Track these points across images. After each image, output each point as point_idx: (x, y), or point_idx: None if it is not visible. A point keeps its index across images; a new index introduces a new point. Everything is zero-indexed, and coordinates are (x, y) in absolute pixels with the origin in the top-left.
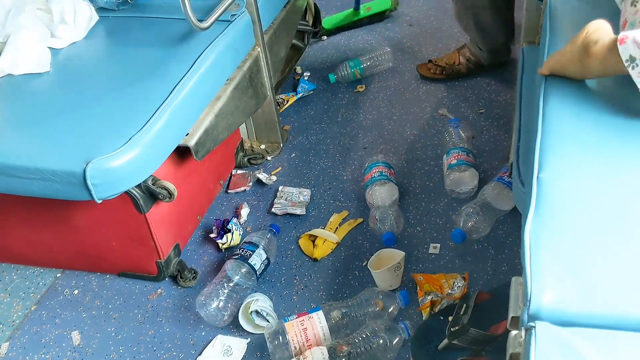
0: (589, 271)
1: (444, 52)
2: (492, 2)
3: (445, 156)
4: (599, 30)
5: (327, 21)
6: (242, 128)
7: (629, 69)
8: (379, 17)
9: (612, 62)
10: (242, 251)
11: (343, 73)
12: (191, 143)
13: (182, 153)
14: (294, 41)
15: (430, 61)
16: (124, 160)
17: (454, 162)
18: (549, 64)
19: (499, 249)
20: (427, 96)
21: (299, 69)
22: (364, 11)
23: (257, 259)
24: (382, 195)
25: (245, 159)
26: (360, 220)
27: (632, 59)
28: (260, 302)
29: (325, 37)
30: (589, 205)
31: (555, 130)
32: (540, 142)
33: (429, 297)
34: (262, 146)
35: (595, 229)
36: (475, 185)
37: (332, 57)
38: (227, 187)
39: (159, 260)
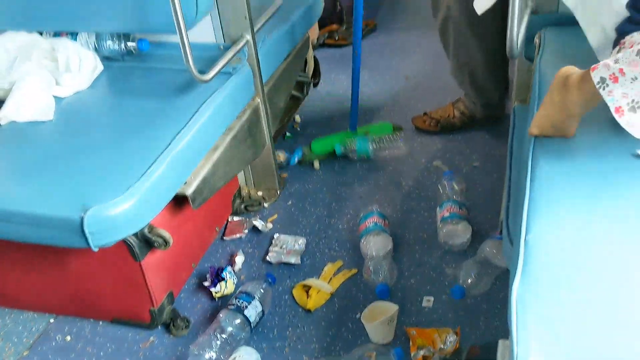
0: (575, 337)
1: (439, 105)
2: (487, 60)
3: (438, 208)
4: (571, 68)
5: (318, 144)
6: (240, 175)
7: (600, 90)
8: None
9: (588, 88)
10: (238, 301)
11: (350, 151)
12: (188, 192)
13: (179, 200)
14: (293, 92)
15: (425, 114)
16: (121, 209)
17: (447, 214)
18: (535, 122)
19: (492, 304)
20: (422, 148)
21: (297, 118)
22: (361, 134)
23: (253, 311)
24: (376, 245)
25: (242, 206)
26: (354, 270)
27: (602, 80)
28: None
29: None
30: (577, 270)
31: (543, 192)
32: (528, 204)
33: (422, 352)
34: (259, 193)
35: (583, 295)
36: (468, 238)
37: (330, 107)
38: (223, 234)
39: (152, 308)
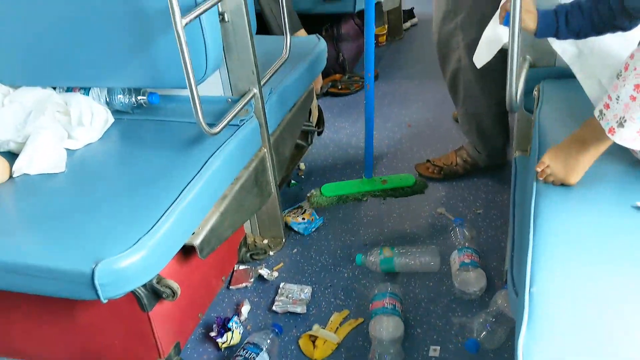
0: None
1: (441, 153)
2: (495, 110)
3: (456, 253)
4: None
5: (329, 188)
6: (246, 223)
7: (600, 121)
8: (395, 193)
9: (594, 124)
10: (246, 353)
11: (371, 263)
12: (196, 242)
13: (186, 250)
14: (298, 140)
15: (428, 161)
16: (131, 261)
17: (467, 261)
18: (549, 153)
19: (498, 353)
20: (426, 195)
21: (302, 165)
22: (378, 182)
23: None
24: (387, 329)
25: (248, 255)
26: (361, 320)
27: (600, 112)
28: None
29: None
30: (582, 322)
31: (546, 244)
32: (532, 256)
33: None
34: (265, 241)
35: (588, 347)
36: (482, 286)
37: (334, 155)
38: (229, 283)
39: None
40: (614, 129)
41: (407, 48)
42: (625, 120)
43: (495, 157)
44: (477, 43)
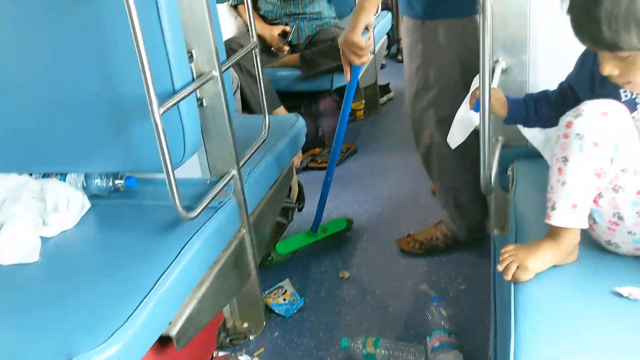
0: None
1: (421, 225)
2: (471, 184)
3: (428, 338)
4: None
5: (282, 246)
6: (225, 307)
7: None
8: (333, 237)
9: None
10: None
11: (355, 354)
12: (173, 332)
13: (162, 341)
14: (279, 218)
15: (408, 235)
16: (105, 356)
17: (437, 344)
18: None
19: None
20: (407, 271)
21: None
22: (320, 233)
23: None
24: None
25: (228, 340)
26: None
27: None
28: None
29: None
30: None
31: (527, 333)
32: (514, 345)
33: None
34: (245, 325)
35: None
36: None
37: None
38: None
39: None
40: (549, 215)
41: (384, 121)
42: (555, 203)
43: (475, 230)
44: (449, 120)
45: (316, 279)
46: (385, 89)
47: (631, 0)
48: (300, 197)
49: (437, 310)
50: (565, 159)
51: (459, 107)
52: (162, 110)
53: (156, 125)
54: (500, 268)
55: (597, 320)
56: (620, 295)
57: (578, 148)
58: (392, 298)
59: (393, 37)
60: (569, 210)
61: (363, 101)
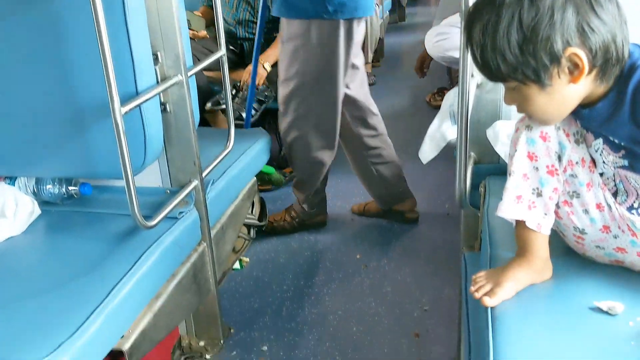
0: None
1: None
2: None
3: None
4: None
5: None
6: (181, 323)
7: None
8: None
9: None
10: None
11: None
12: (125, 347)
13: (113, 356)
14: (240, 234)
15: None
16: None
17: None
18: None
19: None
20: (370, 290)
21: (245, 259)
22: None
23: None
24: None
25: (182, 358)
26: None
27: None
28: None
29: None
30: None
31: (507, 349)
32: None
33: None
34: (201, 343)
35: None
36: None
37: (277, 248)
38: None
39: None
40: (498, 207)
41: None
42: (503, 194)
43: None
44: (307, 116)
45: (277, 297)
46: None
47: (494, 29)
48: (263, 214)
49: None
50: (515, 151)
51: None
52: (124, 110)
53: (117, 125)
54: (472, 291)
55: (577, 336)
56: (600, 310)
57: (525, 139)
58: (355, 317)
59: None
60: (512, 201)
61: None
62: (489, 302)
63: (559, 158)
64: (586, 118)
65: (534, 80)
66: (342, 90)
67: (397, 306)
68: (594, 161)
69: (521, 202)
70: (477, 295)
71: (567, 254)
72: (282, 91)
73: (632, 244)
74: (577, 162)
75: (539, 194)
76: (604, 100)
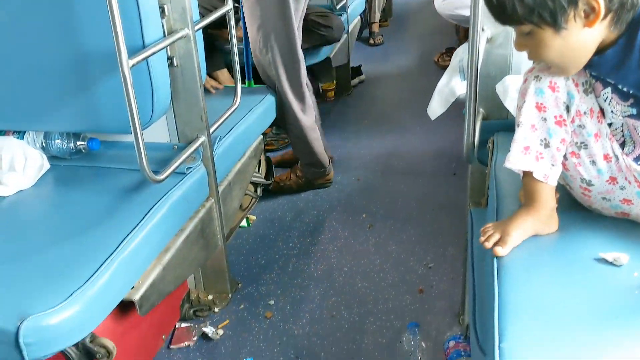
0: None
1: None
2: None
3: None
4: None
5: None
6: (190, 277)
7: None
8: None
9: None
10: None
11: None
12: (136, 297)
13: (124, 306)
14: (247, 192)
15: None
16: (62, 317)
17: None
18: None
19: None
20: (376, 248)
21: (252, 217)
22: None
23: None
24: None
25: (191, 311)
26: None
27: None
28: None
29: None
30: None
31: (511, 297)
32: (498, 311)
33: None
34: (210, 296)
35: None
36: None
37: (284, 207)
38: (170, 342)
39: None
40: (506, 158)
41: (355, 104)
42: (511, 145)
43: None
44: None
45: (284, 253)
46: (357, 71)
47: None
48: (270, 173)
49: (413, 339)
50: (523, 102)
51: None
52: (131, 62)
53: (125, 78)
54: (482, 241)
55: (582, 286)
56: (605, 261)
57: (534, 90)
58: (360, 274)
59: (365, 20)
60: (520, 152)
61: (334, 82)
62: (500, 251)
63: (567, 109)
64: (595, 65)
65: (550, 23)
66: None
67: (401, 264)
68: (602, 111)
69: (529, 153)
70: (488, 245)
71: (573, 206)
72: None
73: (638, 195)
74: (585, 113)
75: (547, 145)
76: (614, 47)
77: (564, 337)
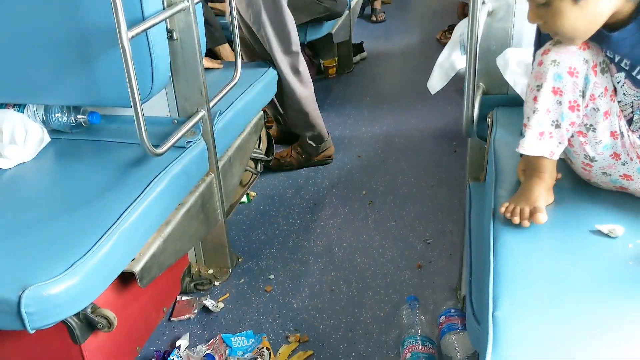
0: None
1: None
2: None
3: (401, 347)
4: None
5: None
6: (191, 252)
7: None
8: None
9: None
10: None
11: None
12: (136, 269)
13: (125, 278)
14: (248, 168)
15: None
16: (63, 287)
17: (409, 356)
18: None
19: None
20: (376, 225)
21: (253, 193)
22: None
23: None
24: None
25: (192, 285)
26: (310, 352)
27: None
28: None
29: None
30: (546, 344)
31: (506, 268)
32: (493, 280)
33: None
34: (210, 271)
35: None
36: None
37: (284, 183)
38: (171, 315)
39: None
40: (519, 144)
41: (356, 81)
42: (525, 131)
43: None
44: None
45: (284, 229)
46: (359, 48)
47: None
48: (270, 149)
49: (412, 313)
50: (540, 87)
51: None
52: (130, 34)
53: (124, 50)
54: (518, 222)
55: (577, 257)
56: (601, 233)
57: (553, 75)
58: (360, 250)
59: None
60: (535, 138)
61: (336, 59)
62: (542, 218)
63: (583, 94)
64: (615, 41)
65: None
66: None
67: (401, 240)
68: (615, 90)
69: (543, 138)
70: (526, 223)
71: (570, 179)
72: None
73: (639, 171)
74: (600, 95)
75: (558, 126)
76: (634, 22)
77: (557, 306)
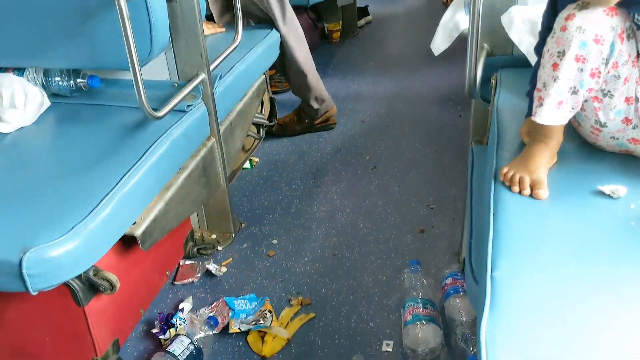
0: None
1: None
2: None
3: (402, 309)
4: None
5: None
6: (193, 217)
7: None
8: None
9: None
10: (168, 342)
11: None
12: (138, 232)
13: (127, 242)
14: (250, 133)
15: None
16: (64, 250)
17: (410, 318)
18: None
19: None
20: (378, 190)
21: (255, 159)
22: None
23: (179, 345)
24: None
25: (195, 249)
26: (312, 315)
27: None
28: None
29: None
30: (544, 304)
31: (506, 229)
32: (492, 241)
33: None
34: (213, 236)
35: (552, 331)
36: (438, 343)
37: (287, 149)
38: (174, 278)
39: (96, 358)
40: (535, 112)
41: (361, 45)
42: (544, 99)
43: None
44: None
45: (287, 195)
46: (364, 11)
47: None
48: (273, 114)
49: (414, 276)
50: (562, 54)
51: None
52: None
53: (121, 11)
54: (516, 191)
55: (579, 218)
56: (603, 193)
57: (579, 43)
58: (362, 215)
59: None
60: (554, 107)
61: (340, 23)
62: (544, 194)
63: (606, 62)
64: None
65: None
66: None
67: (404, 205)
68: (638, 55)
69: (561, 107)
70: (526, 192)
71: (574, 140)
72: None
73: None
74: (624, 62)
75: (575, 92)
76: None
77: (556, 267)
